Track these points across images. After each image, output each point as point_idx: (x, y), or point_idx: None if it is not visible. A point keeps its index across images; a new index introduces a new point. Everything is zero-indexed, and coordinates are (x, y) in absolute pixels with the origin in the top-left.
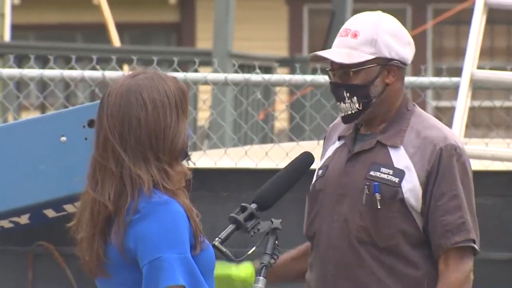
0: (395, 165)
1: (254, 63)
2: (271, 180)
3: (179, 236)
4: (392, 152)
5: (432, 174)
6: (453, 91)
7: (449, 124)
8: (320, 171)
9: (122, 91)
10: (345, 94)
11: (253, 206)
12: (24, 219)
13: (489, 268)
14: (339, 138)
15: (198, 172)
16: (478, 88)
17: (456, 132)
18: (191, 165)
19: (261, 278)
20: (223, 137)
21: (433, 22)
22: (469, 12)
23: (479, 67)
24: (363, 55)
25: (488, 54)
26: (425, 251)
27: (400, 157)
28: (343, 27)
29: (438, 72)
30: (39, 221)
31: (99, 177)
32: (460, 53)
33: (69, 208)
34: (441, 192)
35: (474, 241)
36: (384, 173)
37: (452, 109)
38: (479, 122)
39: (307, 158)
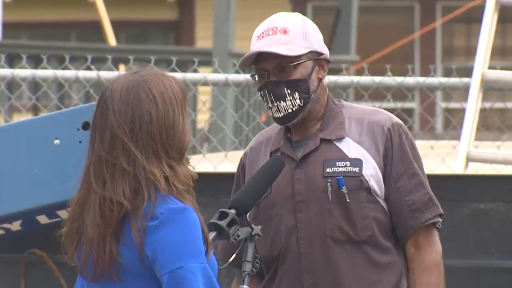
0: (350, 156)
1: None
2: (246, 185)
3: (198, 245)
4: (340, 145)
5: (388, 156)
6: (464, 92)
7: (459, 126)
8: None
9: (128, 86)
10: (286, 91)
11: (233, 211)
12: (16, 226)
13: (501, 277)
14: (272, 154)
15: (198, 177)
16: (489, 89)
17: (467, 135)
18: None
19: (244, 286)
20: (223, 140)
21: (443, 20)
22: (480, 9)
23: (490, 67)
24: (300, 49)
25: (499, 53)
26: (394, 239)
27: (350, 147)
28: (266, 27)
29: (447, 72)
30: (31, 227)
31: (108, 175)
32: (471, 52)
33: (63, 214)
34: (399, 173)
35: (441, 216)
36: (341, 166)
37: (462, 111)
38: (491, 124)
39: (277, 161)
